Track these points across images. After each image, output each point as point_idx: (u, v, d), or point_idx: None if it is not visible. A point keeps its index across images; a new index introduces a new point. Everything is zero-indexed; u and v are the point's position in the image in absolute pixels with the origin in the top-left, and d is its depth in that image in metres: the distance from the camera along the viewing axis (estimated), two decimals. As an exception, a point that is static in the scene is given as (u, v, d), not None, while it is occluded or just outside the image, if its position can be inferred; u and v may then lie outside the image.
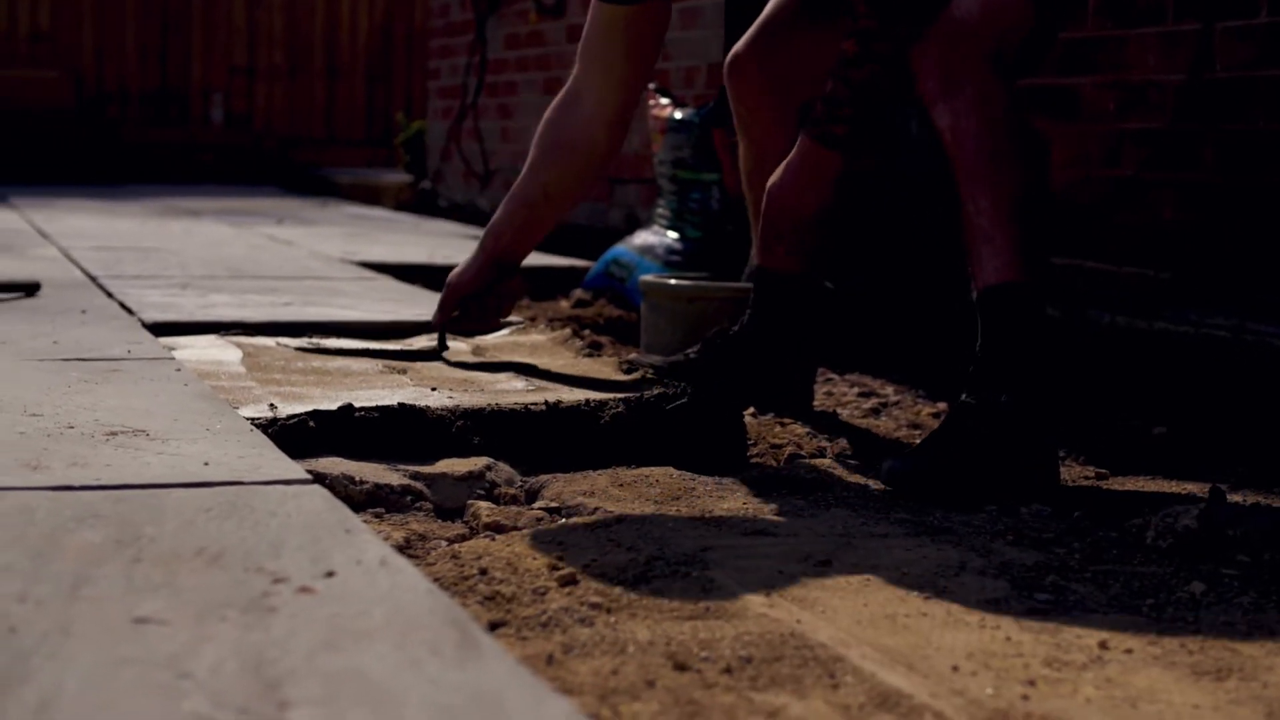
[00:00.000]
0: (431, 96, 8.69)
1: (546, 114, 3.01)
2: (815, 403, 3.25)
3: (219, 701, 1.11)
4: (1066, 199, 3.60)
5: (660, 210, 4.83)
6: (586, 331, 4.17)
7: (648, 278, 3.79)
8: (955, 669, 1.52)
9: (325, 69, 12.32)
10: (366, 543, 1.57)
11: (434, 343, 3.15)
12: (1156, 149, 3.37)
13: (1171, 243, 3.35)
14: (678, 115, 4.74)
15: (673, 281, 3.68)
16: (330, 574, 1.45)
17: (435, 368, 2.98)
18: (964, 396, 2.45)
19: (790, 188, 2.68)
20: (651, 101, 4.90)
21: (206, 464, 1.91)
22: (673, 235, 4.70)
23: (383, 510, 2.15)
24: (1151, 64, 3.39)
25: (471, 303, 3.05)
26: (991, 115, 2.45)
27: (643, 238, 4.80)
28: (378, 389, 2.69)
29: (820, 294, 3.12)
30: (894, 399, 3.40)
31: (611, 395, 2.61)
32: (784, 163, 2.73)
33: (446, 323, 3.08)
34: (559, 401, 2.55)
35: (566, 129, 2.97)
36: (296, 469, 1.92)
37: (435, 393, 2.65)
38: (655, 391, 2.60)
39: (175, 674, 1.17)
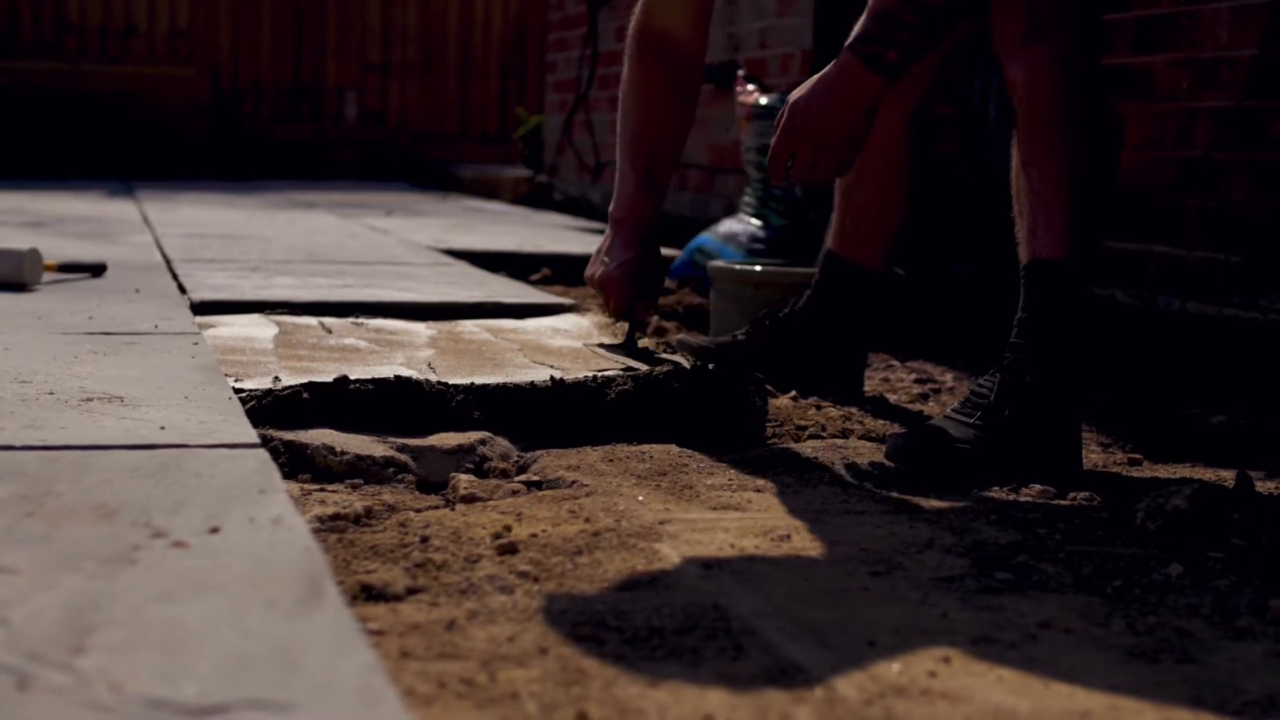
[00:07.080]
0: (548, 90, 8.68)
1: (631, 36, 2.89)
2: (868, 388, 3.17)
3: (13, 646, 1.08)
4: (1139, 181, 3.47)
5: (746, 198, 4.76)
6: (655, 318, 4.11)
7: (716, 263, 3.73)
8: (871, 644, 1.45)
9: (459, 66, 12.39)
10: (271, 503, 1.53)
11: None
12: (1227, 127, 3.23)
13: (1242, 226, 3.21)
14: (763, 101, 4.66)
15: (738, 266, 3.61)
16: (214, 530, 1.42)
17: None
18: (990, 372, 2.36)
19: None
20: (739, 88, 4.83)
21: (162, 428, 1.89)
22: (756, 223, 4.63)
23: (360, 481, 2.11)
24: (1223, 39, 3.26)
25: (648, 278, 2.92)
26: (1072, 76, 2.32)
27: (727, 225, 4.74)
28: (398, 366, 2.66)
29: (882, 282, 3.03)
30: (949, 385, 3.30)
31: (623, 372, 2.55)
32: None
33: (630, 306, 2.94)
34: (564, 377, 2.49)
35: (656, 33, 2.85)
36: (250, 434, 1.89)
37: (440, 368, 2.62)
38: (664, 368, 2.54)
39: (-10, 620, 1.14)
